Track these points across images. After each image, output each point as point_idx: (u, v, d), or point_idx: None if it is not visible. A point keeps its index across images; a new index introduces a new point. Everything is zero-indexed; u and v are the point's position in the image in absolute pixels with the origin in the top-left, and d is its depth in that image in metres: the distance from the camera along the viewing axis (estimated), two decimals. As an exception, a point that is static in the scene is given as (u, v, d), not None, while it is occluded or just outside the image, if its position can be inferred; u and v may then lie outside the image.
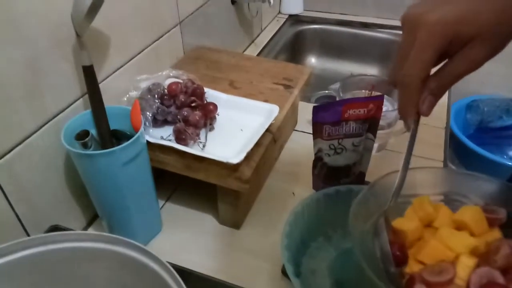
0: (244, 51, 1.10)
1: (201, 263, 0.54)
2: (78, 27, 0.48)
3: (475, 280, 0.31)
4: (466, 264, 0.33)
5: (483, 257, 0.33)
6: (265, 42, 1.14)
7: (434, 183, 0.42)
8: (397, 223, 0.38)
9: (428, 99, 0.34)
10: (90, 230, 0.60)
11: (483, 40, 0.30)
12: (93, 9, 0.46)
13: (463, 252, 0.33)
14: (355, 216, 0.37)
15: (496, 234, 0.36)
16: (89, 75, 0.49)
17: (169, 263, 0.40)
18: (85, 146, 0.47)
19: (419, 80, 0.33)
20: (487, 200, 0.40)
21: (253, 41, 1.14)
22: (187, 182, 0.58)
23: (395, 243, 0.35)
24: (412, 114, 0.36)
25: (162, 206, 0.64)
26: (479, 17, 0.30)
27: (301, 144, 0.75)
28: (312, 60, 1.27)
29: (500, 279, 0.31)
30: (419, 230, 0.37)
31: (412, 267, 0.35)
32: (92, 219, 0.61)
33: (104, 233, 0.33)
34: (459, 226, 0.36)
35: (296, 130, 0.78)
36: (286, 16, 1.27)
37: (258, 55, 1.09)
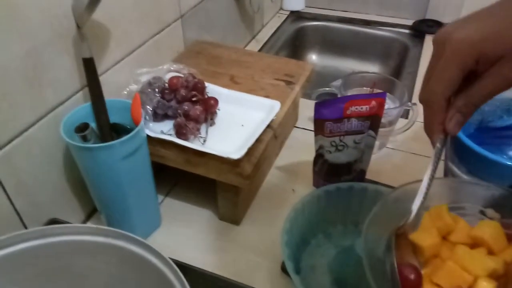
0: (245, 47, 1.09)
1: (200, 259, 0.54)
2: (78, 19, 0.47)
3: None
4: None
5: (503, 280, 0.32)
6: (266, 38, 1.14)
7: (442, 193, 0.41)
8: (414, 237, 0.36)
9: (456, 117, 0.34)
10: (89, 224, 0.60)
11: (507, 58, 0.30)
12: (94, 1, 0.46)
13: (481, 275, 0.32)
14: (371, 224, 0.35)
15: None
16: (89, 68, 0.48)
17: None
18: (84, 139, 0.47)
19: (442, 98, 0.33)
20: (498, 210, 0.39)
21: (254, 37, 1.14)
22: (187, 177, 0.58)
23: (408, 266, 0.34)
24: (436, 132, 0.35)
25: (162, 201, 0.63)
26: (506, 35, 0.30)
27: (302, 141, 0.74)
28: (313, 57, 1.27)
29: None
30: (437, 245, 0.35)
31: None
32: (91, 212, 0.61)
33: (104, 227, 0.33)
34: (477, 243, 0.35)
35: (296, 127, 0.78)
36: (288, 13, 1.26)
37: (259, 51, 1.08)
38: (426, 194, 0.35)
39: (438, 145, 0.36)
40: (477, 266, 0.32)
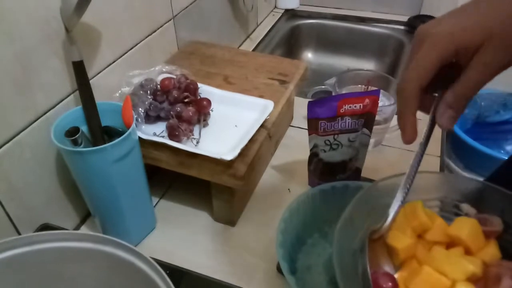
0: (239, 46, 1.09)
1: (196, 261, 0.54)
2: (67, 22, 0.47)
3: None
4: None
5: (481, 282, 0.31)
6: (261, 37, 1.13)
7: (425, 188, 0.40)
8: (389, 238, 0.35)
9: (447, 113, 0.33)
10: (83, 228, 0.60)
11: (493, 45, 0.30)
12: (82, 4, 0.45)
13: (459, 279, 0.31)
14: (347, 221, 0.34)
15: (493, 249, 0.34)
16: (79, 71, 0.48)
17: (162, 262, 0.39)
18: (75, 143, 0.46)
19: (416, 85, 0.32)
20: (474, 205, 0.38)
21: (248, 36, 1.13)
22: (182, 179, 0.58)
23: (384, 275, 0.32)
24: (408, 124, 0.35)
25: (157, 204, 0.63)
26: (482, 25, 0.30)
27: (297, 140, 0.74)
28: (309, 55, 1.26)
29: None
30: (412, 246, 0.34)
31: None
32: (85, 217, 0.61)
33: (92, 233, 0.32)
34: (454, 242, 0.34)
35: (292, 126, 0.78)
36: (282, 11, 1.26)
37: (254, 50, 1.08)
38: (404, 198, 0.34)
39: (418, 149, 0.35)
40: (455, 270, 0.31)
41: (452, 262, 0.32)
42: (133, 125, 0.47)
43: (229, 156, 0.50)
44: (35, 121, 0.49)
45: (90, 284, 0.34)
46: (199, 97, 0.59)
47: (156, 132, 0.56)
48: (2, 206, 0.48)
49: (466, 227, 0.33)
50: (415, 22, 1.13)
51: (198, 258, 0.55)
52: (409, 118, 0.34)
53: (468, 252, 0.33)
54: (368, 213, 0.37)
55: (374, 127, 0.56)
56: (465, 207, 0.38)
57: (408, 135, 0.35)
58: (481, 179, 0.41)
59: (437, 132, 0.73)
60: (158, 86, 0.59)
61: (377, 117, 0.56)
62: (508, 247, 0.35)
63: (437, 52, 0.31)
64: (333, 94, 0.67)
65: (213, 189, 0.56)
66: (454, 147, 1.36)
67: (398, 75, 0.97)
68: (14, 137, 0.47)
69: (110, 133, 0.51)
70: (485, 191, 0.39)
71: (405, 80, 0.33)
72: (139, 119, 0.56)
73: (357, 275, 0.32)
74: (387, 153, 0.71)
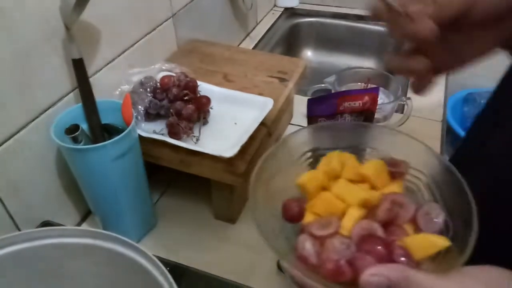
0: (239, 45, 1.09)
1: (197, 258, 0.54)
2: (66, 20, 0.47)
3: (357, 232, 0.33)
4: (352, 215, 0.34)
5: (372, 210, 0.35)
6: (260, 35, 1.13)
7: (350, 137, 0.43)
8: (301, 177, 0.38)
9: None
10: (84, 226, 0.60)
11: None
12: (82, 1, 0.45)
13: (353, 204, 0.35)
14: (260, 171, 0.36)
15: (396, 187, 0.37)
16: (79, 69, 0.48)
17: (163, 259, 0.39)
18: (75, 140, 0.46)
19: None
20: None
21: (248, 34, 1.13)
22: (182, 177, 0.58)
23: (294, 200, 0.36)
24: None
25: (157, 201, 0.63)
26: None
27: (297, 137, 0.74)
28: (308, 53, 1.26)
29: (379, 231, 0.33)
30: (321, 184, 0.37)
31: (307, 219, 0.36)
32: (86, 214, 0.61)
33: (91, 229, 0.33)
34: (363, 179, 0.37)
35: (292, 124, 0.78)
36: (282, 9, 1.26)
37: (253, 48, 1.08)
38: None
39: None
40: (352, 196, 0.35)
41: (350, 190, 0.36)
42: (133, 122, 0.47)
43: (228, 154, 0.50)
44: (35, 119, 0.49)
45: (90, 280, 0.34)
46: (198, 95, 0.59)
47: (156, 130, 0.56)
48: (3, 204, 0.48)
49: (373, 166, 0.37)
50: (414, 20, 1.13)
51: (199, 255, 0.55)
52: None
53: (373, 188, 0.37)
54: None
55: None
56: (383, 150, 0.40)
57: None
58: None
59: (437, 130, 0.74)
60: (158, 84, 0.59)
61: (376, 115, 0.56)
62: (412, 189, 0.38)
63: None
64: (333, 92, 0.67)
65: (213, 186, 0.56)
66: (454, 145, 1.36)
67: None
68: (14, 134, 0.47)
69: (110, 131, 0.51)
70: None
71: None
72: (139, 117, 0.56)
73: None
74: (386, 151, 0.71)
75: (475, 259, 0.28)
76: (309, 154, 0.41)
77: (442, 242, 0.31)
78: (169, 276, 0.29)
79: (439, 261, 0.31)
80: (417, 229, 0.34)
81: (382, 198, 0.34)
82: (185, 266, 0.47)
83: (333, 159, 0.38)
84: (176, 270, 0.45)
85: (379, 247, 0.31)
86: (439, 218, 0.33)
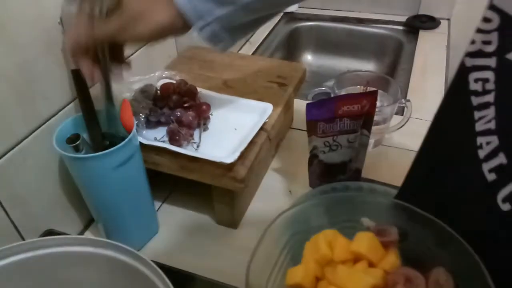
0: (239, 50, 1.09)
1: (199, 264, 0.54)
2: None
3: None
4: None
5: None
6: (260, 41, 1.14)
7: (325, 212, 0.42)
8: (292, 274, 0.37)
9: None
10: (87, 234, 0.60)
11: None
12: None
13: None
14: None
15: (392, 258, 0.36)
16: (78, 79, 0.49)
17: (166, 265, 0.39)
18: (76, 149, 0.47)
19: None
20: (377, 218, 0.40)
21: (248, 40, 1.14)
22: (184, 183, 0.58)
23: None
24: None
25: (159, 208, 0.63)
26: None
27: (298, 141, 0.74)
28: (308, 57, 1.27)
29: None
30: (315, 275, 0.36)
31: None
32: (89, 222, 0.61)
33: (94, 237, 0.33)
34: (357, 257, 0.36)
35: (292, 128, 0.78)
36: (281, 14, 1.27)
37: (253, 54, 1.08)
38: None
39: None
40: (357, 285, 0.33)
41: (354, 277, 0.34)
42: (134, 130, 0.48)
43: (229, 160, 0.50)
44: (37, 129, 0.50)
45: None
46: (198, 102, 0.60)
47: (157, 137, 0.57)
48: (7, 213, 0.48)
49: (364, 242, 0.36)
50: (413, 22, 1.13)
51: (201, 261, 0.55)
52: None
53: (371, 264, 0.35)
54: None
55: (373, 127, 0.56)
56: (365, 220, 0.40)
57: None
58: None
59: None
60: (158, 92, 0.59)
61: (376, 118, 0.56)
62: (407, 252, 0.37)
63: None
64: (332, 95, 0.67)
65: (214, 192, 0.57)
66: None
67: (397, 76, 0.97)
68: (17, 145, 0.48)
69: (111, 139, 0.52)
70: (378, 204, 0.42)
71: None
72: (140, 125, 0.56)
73: None
74: (387, 153, 0.71)
75: None
76: (291, 242, 0.40)
77: None
78: (169, 283, 0.29)
79: None
80: None
81: (394, 278, 0.33)
82: (188, 272, 0.47)
83: (320, 244, 0.37)
84: (179, 276, 0.46)
85: None
86: (449, 283, 0.33)
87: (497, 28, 0.29)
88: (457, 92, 0.33)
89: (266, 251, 0.38)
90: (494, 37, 0.29)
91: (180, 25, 0.43)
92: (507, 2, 0.27)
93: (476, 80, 0.31)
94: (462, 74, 0.32)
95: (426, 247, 0.37)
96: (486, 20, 0.29)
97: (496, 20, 0.29)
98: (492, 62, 0.30)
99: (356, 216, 0.41)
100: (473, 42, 0.31)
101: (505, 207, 0.29)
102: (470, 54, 0.31)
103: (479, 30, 0.30)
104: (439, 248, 0.36)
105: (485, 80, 0.30)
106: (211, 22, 0.42)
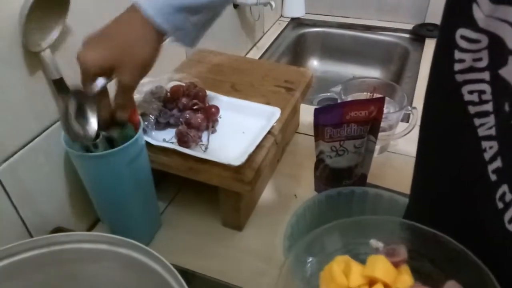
0: (246, 54, 1.10)
1: (203, 265, 0.55)
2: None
3: None
4: None
5: None
6: (267, 45, 1.15)
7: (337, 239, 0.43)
8: None
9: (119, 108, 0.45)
10: (94, 232, 0.61)
11: (119, 69, 0.42)
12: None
13: None
14: None
15: (405, 277, 0.37)
16: (60, 88, 0.49)
17: (171, 264, 0.40)
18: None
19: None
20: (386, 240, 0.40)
21: (255, 44, 1.15)
22: (190, 184, 0.59)
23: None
24: None
25: (165, 208, 0.64)
26: (109, 57, 0.42)
27: (303, 146, 0.75)
28: (315, 63, 1.27)
29: None
30: None
31: None
32: (96, 220, 0.62)
33: (107, 234, 0.33)
34: (372, 281, 0.36)
35: (298, 133, 0.78)
36: (288, 20, 1.28)
37: (260, 58, 1.09)
38: None
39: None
40: None
41: None
42: (140, 130, 0.48)
43: (237, 162, 0.51)
44: (49, 127, 0.51)
45: (105, 284, 0.35)
46: (207, 104, 0.60)
47: (165, 138, 0.57)
48: (17, 211, 0.49)
49: (378, 266, 0.36)
50: (420, 30, 1.14)
51: (206, 262, 0.56)
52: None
53: (386, 286, 0.36)
54: None
55: (380, 133, 0.57)
56: (373, 242, 0.40)
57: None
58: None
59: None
60: (168, 94, 0.60)
61: (382, 124, 0.56)
62: (418, 268, 0.38)
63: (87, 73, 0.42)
64: (339, 101, 0.68)
65: (221, 194, 0.57)
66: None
67: (403, 83, 0.97)
68: (28, 143, 0.49)
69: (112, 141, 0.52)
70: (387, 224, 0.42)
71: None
72: (149, 126, 0.57)
73: None
74: (392, 160, 0.72)
75: None
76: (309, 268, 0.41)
77: None
78: (182, 281, 0.29)
79: None
80: None
81: None
82: (193, 272, 0.48)
83: (335, 273, 0.37)
84: (184, 276, 0.46)
85: None
86: None
87: (486, 46, 0.30)
88: (451, 101, 0.33)
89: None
90: (484, 54, 0.30)
91: (161, 37, 0.48)
92: (493, 24, 0.28)
93: (471, 92, 0.32)
94: (453, 88, 0.32)
95: (436, 262, 0.38)
96: (474, 41, 0.30)
97: (485, 40, 0.29)
98: (485, 75, 0.30)
99: (361, 239, 0.42)
100: (461, 61, 0.31)
101: (500, 205, 0.31)
102: (461, 71, 0.31)
103: (467, 50, 0.31)
104: (448, 262, 0.36)
105: (481, 92, 0.31)
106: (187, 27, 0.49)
